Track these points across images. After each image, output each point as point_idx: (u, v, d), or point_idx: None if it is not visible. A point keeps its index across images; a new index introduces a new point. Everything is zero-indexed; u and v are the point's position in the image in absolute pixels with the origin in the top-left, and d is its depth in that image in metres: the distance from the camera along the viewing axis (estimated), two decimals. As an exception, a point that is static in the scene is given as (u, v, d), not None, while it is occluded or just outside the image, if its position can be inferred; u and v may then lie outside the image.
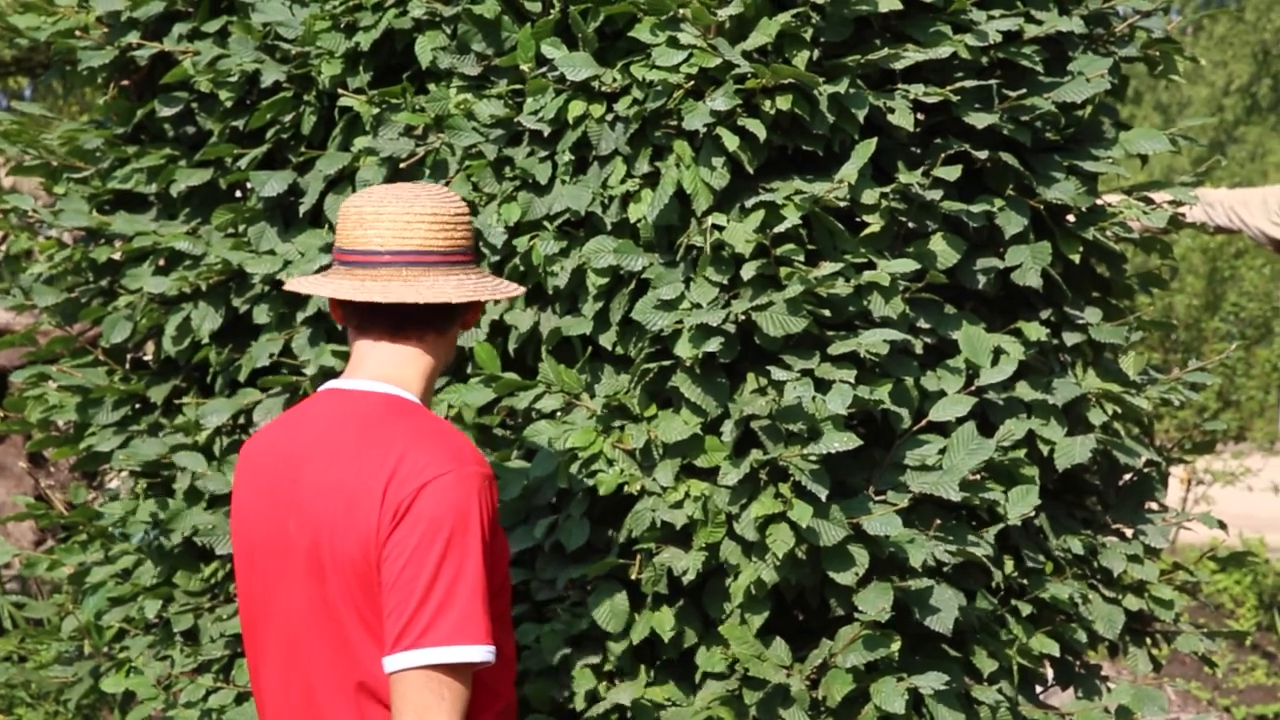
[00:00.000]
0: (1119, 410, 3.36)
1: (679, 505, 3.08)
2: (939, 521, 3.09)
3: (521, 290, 2.67)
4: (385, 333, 2.54)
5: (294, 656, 2.47)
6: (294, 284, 2.54)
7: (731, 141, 3.01)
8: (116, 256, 3.80)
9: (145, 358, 3.97)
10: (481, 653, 2.31)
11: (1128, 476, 3.54)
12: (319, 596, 2.41)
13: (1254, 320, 13.59)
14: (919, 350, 3.18)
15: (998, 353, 3.20)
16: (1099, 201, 3.42)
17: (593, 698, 3.19)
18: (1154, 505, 3.56)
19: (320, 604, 2.41)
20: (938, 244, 3.18)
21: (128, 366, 3.92)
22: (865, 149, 3.07)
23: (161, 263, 3.74)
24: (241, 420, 3.68)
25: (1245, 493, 13.42)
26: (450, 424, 2.52)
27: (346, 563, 2.36)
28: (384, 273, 2.50)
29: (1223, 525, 3.56)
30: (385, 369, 2.53)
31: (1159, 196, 3.51)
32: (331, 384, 2.56)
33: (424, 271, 2.51)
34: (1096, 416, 3.30)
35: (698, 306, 3.07)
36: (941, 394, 3.16)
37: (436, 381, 2.66)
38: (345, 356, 3.47)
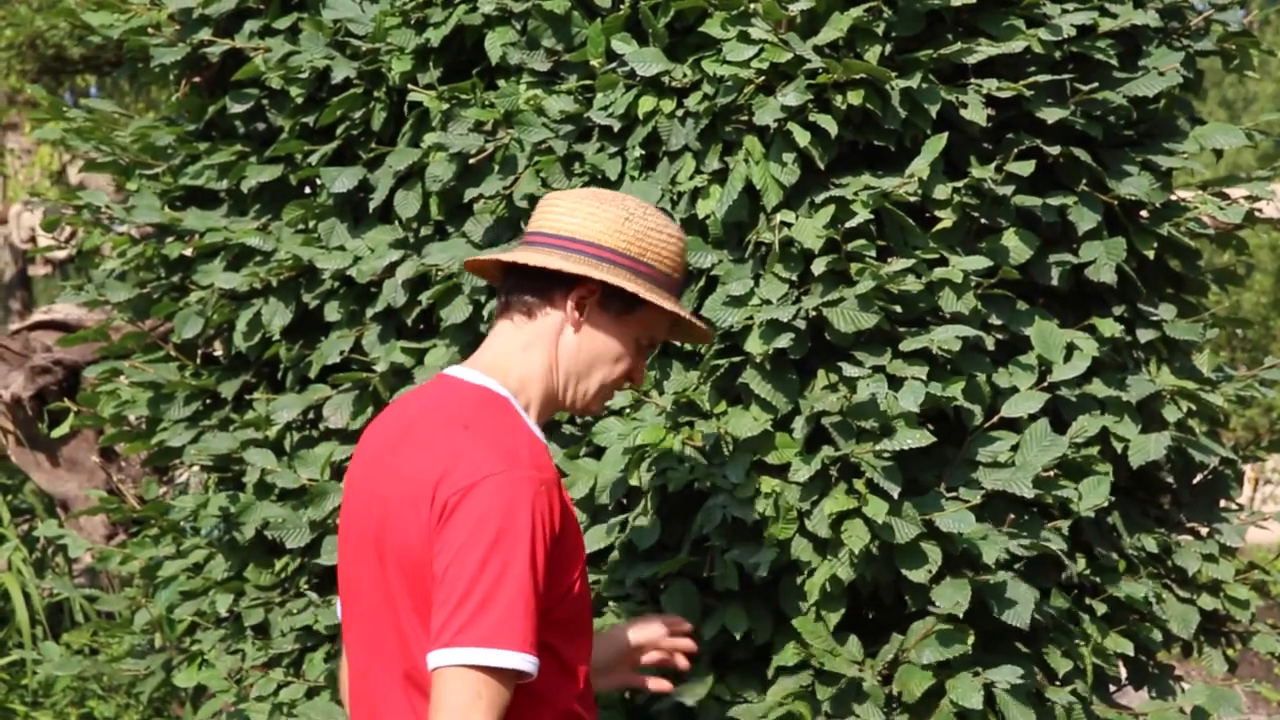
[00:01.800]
0: (1193, 407, 3.33)
1: (750, 502, 3.06)
2: (1012, 517, 3.07)
3: (703, 331, 2.66)
4: (507, 310, 2.50)
5: (363, 637, 2.46)
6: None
7: (803, 137, 3.00)
8: (188, 252, 3.82)
9: (216, 353, 3.99)
10: (518, 660, 2.23)
11: (1201, 475, 3.51)
12: (382, 582, 2.39)
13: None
14: (990, 346, 3.15)
15: (1070, 349, 3.17)
16: (1173, 197, 3.38)
17: (659, 694, 3.18)
18: (1228, 504, 3.52)
19: (383, 589, 2.39)
20: (1010, 239, 3.16)
21: (199, 362, 3.95)
22: (936, 143, 3.05)
23: (232, 259, 3.76)
24: (311, 416, 3.69)
25: (1313, 492, 13.26)
26: (528, 426, 2.44)
27: (403, 552, 2.33)
28: (522, 250, 2.50)
29: (1299, 523, 3.52)
30: (494, 356, 2.48)
31: (1234, 192, 3.47)
32: (452, 369, 2.50)
33: (553, 252, 2.47)
34: (1171, 413, 3.27)
35: (767, 303, 3.06)
36: (1014, 390, 3.14)
37: (545, 376, 2.50)
38: (415, 354, 3.48)
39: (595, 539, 3.20)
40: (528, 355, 2.48)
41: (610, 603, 3.20)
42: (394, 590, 2.36)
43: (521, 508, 2.26)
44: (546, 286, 2.47)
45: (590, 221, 2.47)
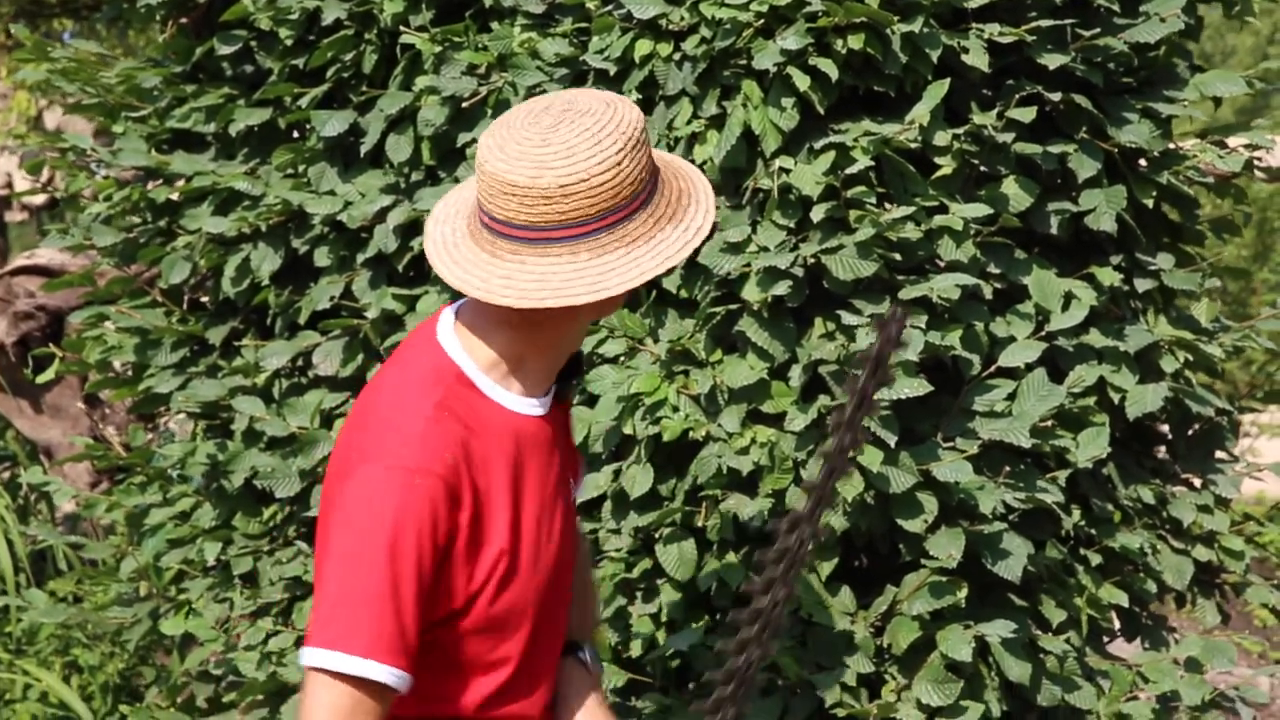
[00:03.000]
0: (1190, 358, 3.31)
1: (745, 451, 3.04)
2: (1008, 468, 3.05)
3: (678, 261, 2.11)
4: None
5: None
6: (430, 240, 2.19)
7: (802, 81, 2.96)
8: (175, 196, 3.77)
9: (203, 299, 3.95)
10: (362, 666, 2.00)
11: (1197, 426, 3.49)
12: None
13: (1305, 271, 13.44)
14: (989, 295, 3.13)
15: (1068, 298, 3.15)
16: (1172, 145, 3.36)
17: (651, 644, 3.17)
18: (1224, 455, 3.51)
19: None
20: (1010, 187, 3.13)
21: (186, 308, 3.90)
22: (937, 90, 3.02)
23: (220, 203, 3.71)
24: (300, 363, 3.65)
25: (1293, 445, 13.31)
26: (447, 413, 2.12)
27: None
28: (485, 236, 2.11)
29: (1298, 475, 3.51)
30: (471, 315, 2.18)
31: (1234, 141, 3.45)
32: (442, 317, 2.22)
33: (517, 249, 2.07)
34: (1168, 364, 3.25)
35: (765, 250, 3.03)
36: (1011, 340, 3.12)
37: (534, 352, 2.18)
38: (406, 300, 3.44)
39: (589, 487, 3.18)
40: (507, 335, 2.17)
41: (610, 552, 3.18)
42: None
43: (388, 506, 2.03)
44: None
45: (564, 205, 2.03)
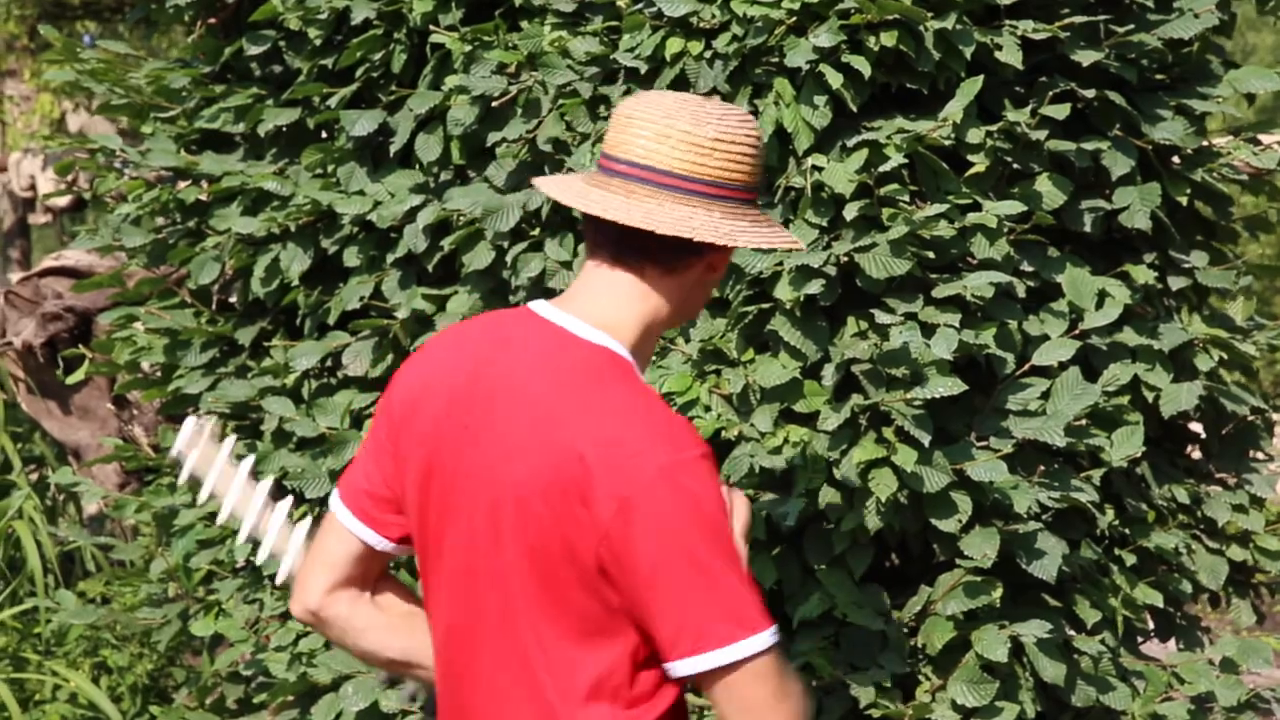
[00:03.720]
0: (1225, 356, 3.29)
1: (778, 451, 3.02)
2: (1042, 468, 3.04)
3: (798, 245, 2.25)
4: (606, 256, 2.16)
5: (461, 600, 2.18)
6: (540, 182, 2.25)
7: (835, 79, 2.95)
8: (204, 197, 3.77)
9: (232, 300, 3.95)
10: (774, 635, 2.04)
11: (1231, 425, 3.47)
12: (494, 557, 2.11)
13: (1330, 269, 13.37)
14: (1022, 293, 3.11)
15: (1102, 296, 3.13)
16: (1205, 142, 3.34)
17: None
18: (1259, 454, 3.49)
19: (494, 565, 2.11)
20: (1044, 185, 3.11)
21: (215, 308, 3.90)
22: (971, 87, 3.00)
23: (249, 203, 3.71)
24: (330, 363, 3.65)
25: (1322, 445, 13.25)
26: (656, 394, 2.18)
27: (538, 543, 2.06)
28: (616, 184, 2.13)
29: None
30: (600, 305, 2.16)
31: (1267, 138, 3.43)
32: (543, 307, 2.19)
33: (654, 192, 2.11)
34: (1203, 362, 3.23)
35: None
36: (1045, 338, 3.10)
37: (659, 334, 2.23)
38: (436, 300, 3.43)
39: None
40: (644, 308, 2.17)
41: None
42: (509, 577, 2.11)
43: (701, 488, 2.03)
44: (675, 243, 2.13)
45: (733, 163, 2.14)
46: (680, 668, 2.02)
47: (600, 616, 2.07)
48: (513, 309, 2.27)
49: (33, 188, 11.83)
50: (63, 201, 11.04)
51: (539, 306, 2.20)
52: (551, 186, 2.22)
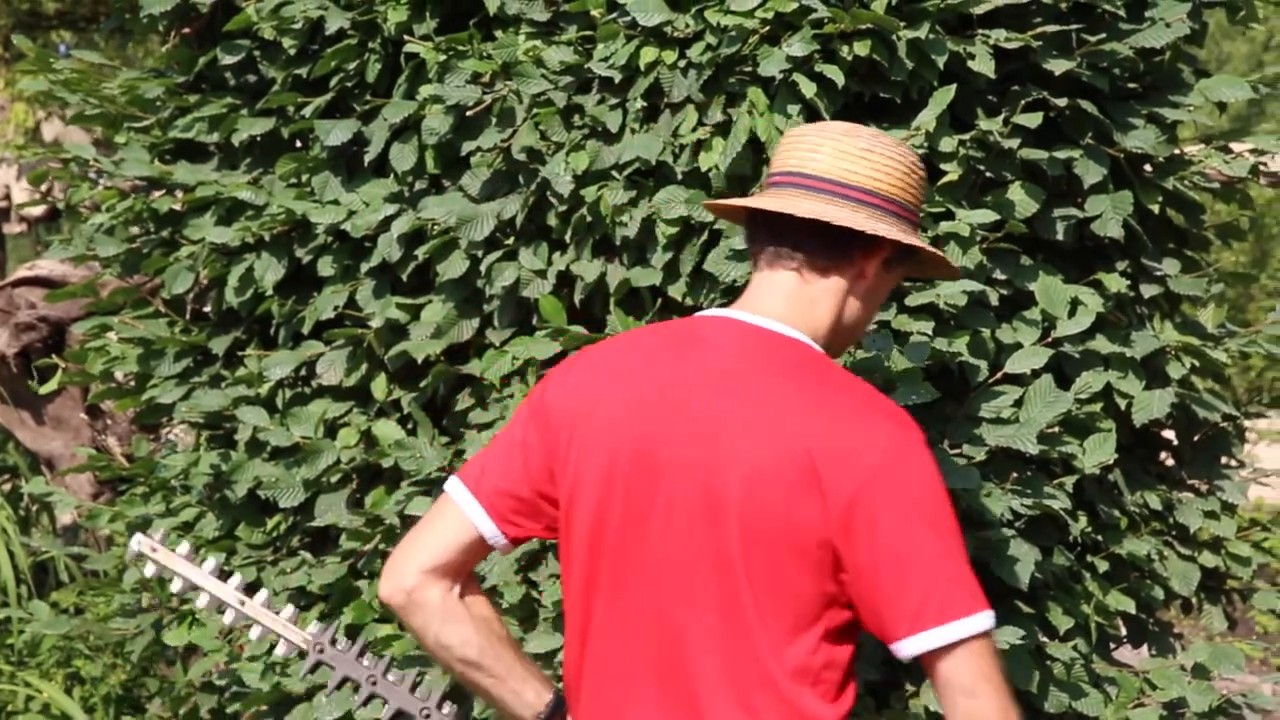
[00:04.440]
0: (1196, 363, 3.30)
1: (752, 458, 3.03)
2: (1015, 475, 3.05)
3: (952, 272, 2.40)
4: (793, 262, 2.24)
5: (660, 602, 2.16)
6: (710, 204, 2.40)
7: (808, 88, 2.96)
8: (178, 206, 3.76)
9: (206, 309, 3.94)
10: (991, 617, 2.11)
11: (1203, 431, 3.49)
12: (712, 546, 2.12)
13: (1303, 277, 13.46)
14: (995, 302, 3.13)
15: (1075, 304, 3.15)
16: (1177, 151, 3.36)
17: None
18: (1230, 461, 3.50)
19: (711, 554, 2.12)
20: (1016, 193, 3.12)
21: (189, 318, 3.89)
22: (943, 96, 3.01)
23: (223, 213, 3.70)
24: (304, 373, 3.64)
25: (1293, 451, 13.30)
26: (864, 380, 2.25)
27: (769, 528, 2.08)
28: (802, 194, 2.24)
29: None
30: (787, 311, 2.24)
31: (1239, 146, 3.45)
32: (723, 312, 2.27)
33: (846, 204, 2.22)
34: (1175, 370, 3.25)
35: (771, 257, 3.02)
36: (1017, 346, 3.11)
37: (843, 347, 2.33)
38: (410, 309, 3.43)
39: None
40: (817, 312, 2.25)
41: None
42: (734, 563, 2.11)
43: (932, 466, 2.12)
44: (845, 244, 2.23)
45: (881, 173, 2.24)
46: (920, 641, 2.06)
47: (812, 605, 2.11)
48: (681, 319, 2.32)
49: (7, 197, 11.78)
50: (38, 211, 10.99)
51: (717, 312, 2.28)
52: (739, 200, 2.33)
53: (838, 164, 2.23)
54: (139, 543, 2.72)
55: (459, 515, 2.27)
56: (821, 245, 2.24)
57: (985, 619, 2.08)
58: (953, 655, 2.06)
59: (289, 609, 2.70)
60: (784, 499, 2.08)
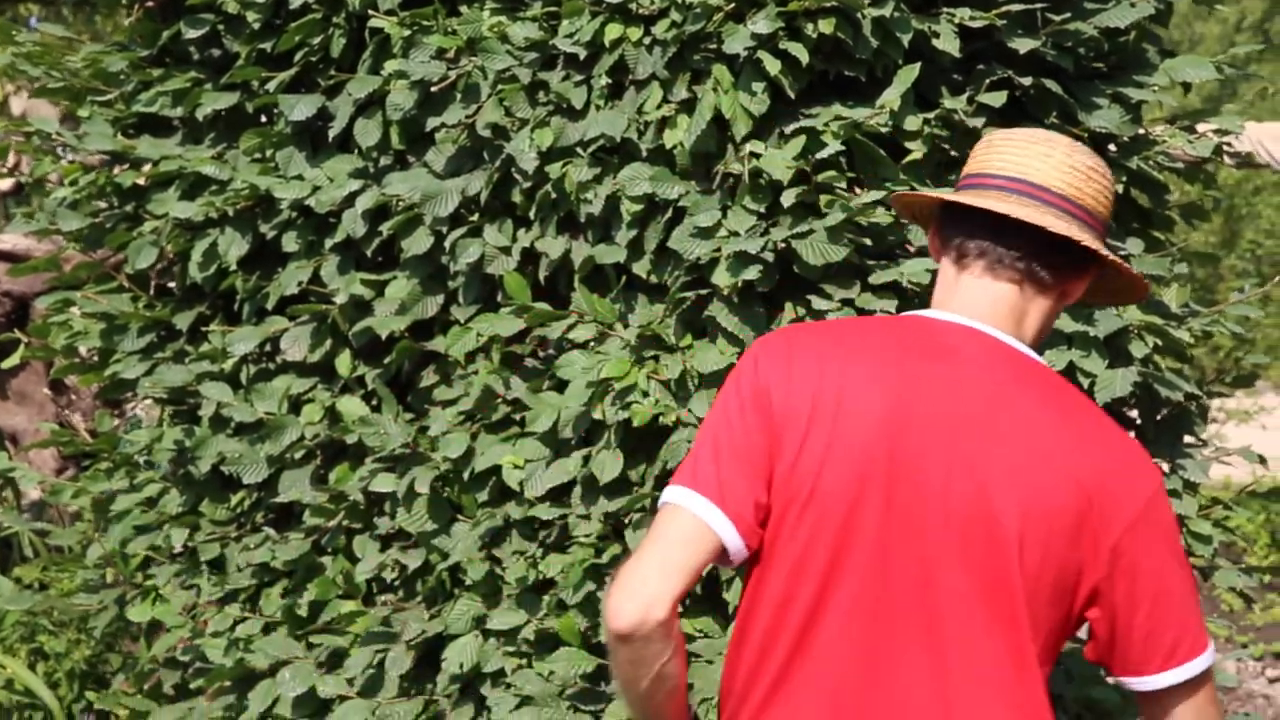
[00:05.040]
0: (1159, 343, 3.31)
1: (715, 436, 3.03)
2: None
3: (1131, 297, 2.35)
4: (1015, 273, 2.19)
5: (926, 634, 2.09)
6: (954, 195, 2.22)
7: (773, 66, 2.96)
8: (141, 181, 3.75)
9: (170, 284, 3.93)
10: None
11: (1166, 410, 3.50)
12: (986, 570, 2.07)
13: (1271, 258, 13.52)
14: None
15: (1038, 283, 3.15)
16: (1141, 130, 3.36)
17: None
18: (1192, 440, 3.51)
19: (986, 578, 2.07)
20: (980, 172, 3.12)
21: (152, 293, 3.87)
22: (908, 74, 3.01)
23: (187, 188, 3.69)
24: (268, 348, 3.63)
25: (1259, 431, 13.38)
26: None
27: (1041, 560, 2.06)
28: (1036, 206, 2.16)
29: (1262, 460, 3.52)
30: (1010, 321, 2.20)
31: (1203, 126, 3.45)
32: (954, 318, 2.19)
33: (1078, 224, 2.18)
34: (1138, 349, 3.25)
35: (735, 234, 3.02)
36: (981, 325, 3.11)
37: None
38: (374, 285, 3.42)
39: (558, 473, 3.17)
40: (1025, 327, 2.21)
41: (580, 537, 3.17)
42: (1016, 591, 2.06)
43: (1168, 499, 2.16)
44: (1074, 265, 2.21)
45: (1104, 197, 2.21)
46: (1173, 675, 2.11)
47: (1061, 638, 2.13)
48: (904, 318, 2.23)
49: (-22, 172, 11.73)
50: (4, 185, 10.92)
51: (947, 316, 2.20)
52: (931, 196, 2.27)
53: (1068, 180, 2.18)
54: None
55: (704, 531, 2.09)
56: (1052, 262, 2.19)
57: (1212, 649, 2.16)
58: (1197, 687, 2.13)
59: None
60: (1061, 538, 2.06)
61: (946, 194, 2.24)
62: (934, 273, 3.01)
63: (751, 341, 3.04)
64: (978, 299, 2.20)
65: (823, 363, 2.13)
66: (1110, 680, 2.17)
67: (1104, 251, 2.17)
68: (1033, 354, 2.18)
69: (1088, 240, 2.15)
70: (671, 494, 2.12)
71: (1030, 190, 2.17)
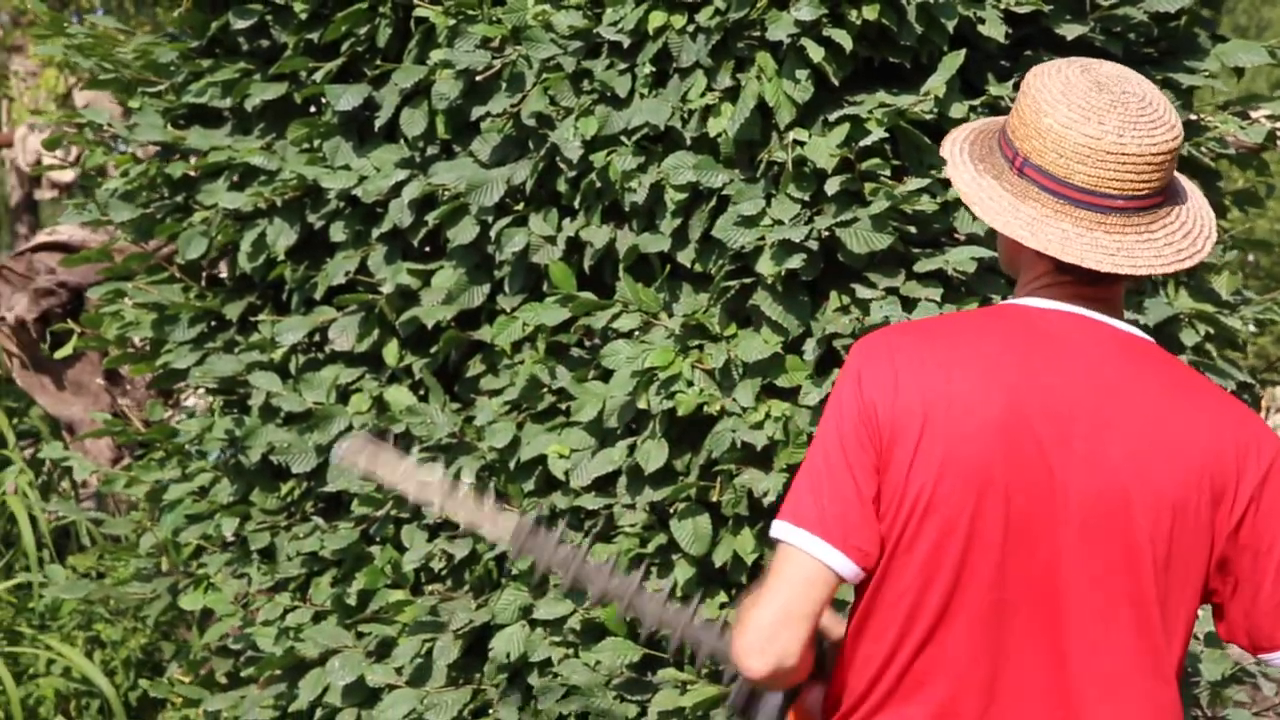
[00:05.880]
0: (1211, 331, 3.28)
1: (759, 426, 3.02)
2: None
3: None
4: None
5: (1047, 630, 2.07)
6: (1035, 240, 2.06)
7: (816, 53, 2.94)
8: (191, 172, 3.76)
9: (220, 274, 3.95)
10: None
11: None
12: (1121, 573, 2.05)
13: (1338, 244, 13.34)
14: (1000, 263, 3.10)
15: (1087, 271, 3.12)
16: (1193, 116, 3.32)
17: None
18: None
19: (1120, 580, 2.05)
20: (1027, 159, 3.09)
21: (203, 283, 3.90)
22: (953, 60, 2.99)
23: (236, 178, 3.71)
24: (317, 338, 3.65)
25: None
26: None
27: (1175, 556, 2.04)
28: (1114, 220, 2.06)
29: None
30: (1111, 301, 2.13)
31: (1255, 112, 3.41)
32: (1055, 305, 2.11)
33: (1152, 217, 2.08)
34: (1189, 337, 3.22)
35: (780, 223, 3.01)
36: (1029, 313, 3.08)
37: None
38: (421, 275, 3.43)
39: (603, 463, 3.17)
40: (1120, 300, 2.15)
41: (625, 527, 3.17)
42: (1149, 591, 2.05)
43: None
44: None
45: (1171, 159, 2.08)
46: None
47: (1191, 625, 2.10)
48: (1000, 308, 2.19)
49: (39, 163, 11.82)
50: (67, 176, 11.02)
51: (1049, 304, 2.12)
52: (1012, 222, 2.10)
53: (1148, 177, 2.05)
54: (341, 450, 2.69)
55: (826, 575, 2.06)
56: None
57: None
58: None
59: (490, 500, 2.70)
60: (1188, 522, 2.04)
61: (1042, 241, 2.07)
62: (979, 260, 2.99)
63: (796, 330, 3.03)
64: (1108, 300, 2.14)
65: (929, 369, 2.08)
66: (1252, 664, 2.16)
67: (1187, 262, 2.08)
68: (1135, 330, 2.12)
69: (1169, 260, 2.06)
70: (783, 531, 2.08)
71: (1114, 206, 2.05)
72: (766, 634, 2.06)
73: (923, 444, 2.04)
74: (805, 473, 2.11)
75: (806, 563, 2.05)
